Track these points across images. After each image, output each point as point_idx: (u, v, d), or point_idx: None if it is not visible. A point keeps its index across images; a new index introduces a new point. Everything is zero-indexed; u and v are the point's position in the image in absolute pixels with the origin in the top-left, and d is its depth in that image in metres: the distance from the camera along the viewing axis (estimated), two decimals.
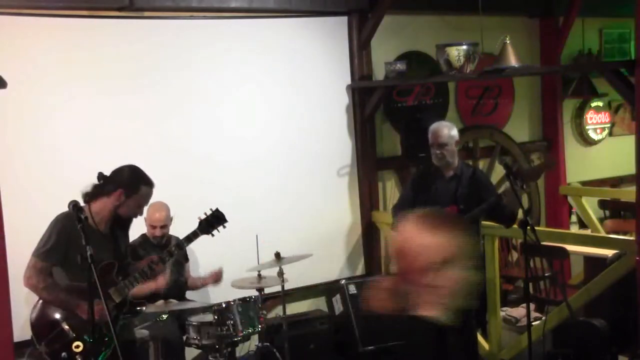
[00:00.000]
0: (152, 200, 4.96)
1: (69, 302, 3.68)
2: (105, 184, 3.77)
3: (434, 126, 4.78)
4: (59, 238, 3.68)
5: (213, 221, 4.05)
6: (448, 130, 4.71)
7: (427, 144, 4.80)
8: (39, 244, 3.76)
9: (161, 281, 4.58)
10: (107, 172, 3.82)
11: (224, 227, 4.09)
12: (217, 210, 4.08)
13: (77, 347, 3.64)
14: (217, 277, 5.03)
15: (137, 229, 5.02)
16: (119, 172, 3.82)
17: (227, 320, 4.56)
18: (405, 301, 2.05)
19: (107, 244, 3.80)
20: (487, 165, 6.92)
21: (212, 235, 4.07)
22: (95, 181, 3.78)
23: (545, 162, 4.69)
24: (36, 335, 3.76)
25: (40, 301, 3.78)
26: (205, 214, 4.08)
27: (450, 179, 4.75)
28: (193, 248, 4.99)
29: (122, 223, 3.93)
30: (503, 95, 7.25)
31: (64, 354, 3.65)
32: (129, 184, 3.77)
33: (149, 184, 3.84)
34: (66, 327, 3.69)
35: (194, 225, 4.04)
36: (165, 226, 5.01)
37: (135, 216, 3.94)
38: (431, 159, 4.78)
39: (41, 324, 3.73)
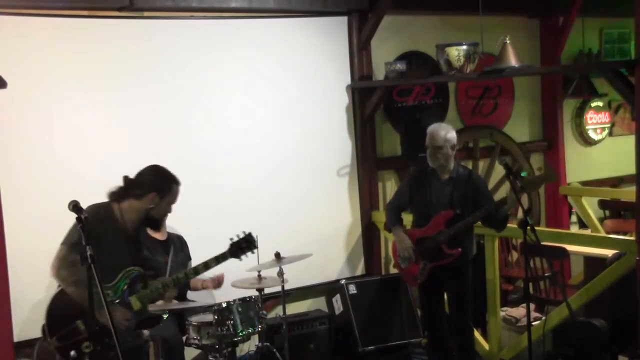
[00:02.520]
0: None
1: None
2: (132, 187, 3.78)
3: (431, 128, 4.77)
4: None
5: (244, 245, 4.08)
6: (444, 133, 4.70)
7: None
8: (70, 233, 3.68)
9: (170, 294, 4.66)
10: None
11: (253, 252, 4.11)
12: (249, 234, 4.11)
13: (87, 347, 3.57)
14: (218, 282, 4.97)
15: None
16: (146, 174, 3.85)
17: (227, 320, 4.55)
18: None
19: (132, 246, 3.81)
20: (487, 165, 6.92)
21: (240, 259, 4.09)
22: (121, 183, 3.79)
23: (546, 173, 4.68)
24: (49, 327, 3.69)
25: (60, 293, 3.71)
26: (238, 236, 4.10)
27: (447, 182, 4.74)
28: (194, 248, 4.99)
29: (151, 224, 3.97)
30: (503, 95, 7.24)
31: (73, 352, 3.60)
32: (161, 186, 3.83)
33: (177, 182, 3.91)
34: (82, 326, 3.62)
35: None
36: None
37: (166, 215, 3.97)
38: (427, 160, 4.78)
39: (57, 317, 3.67)
